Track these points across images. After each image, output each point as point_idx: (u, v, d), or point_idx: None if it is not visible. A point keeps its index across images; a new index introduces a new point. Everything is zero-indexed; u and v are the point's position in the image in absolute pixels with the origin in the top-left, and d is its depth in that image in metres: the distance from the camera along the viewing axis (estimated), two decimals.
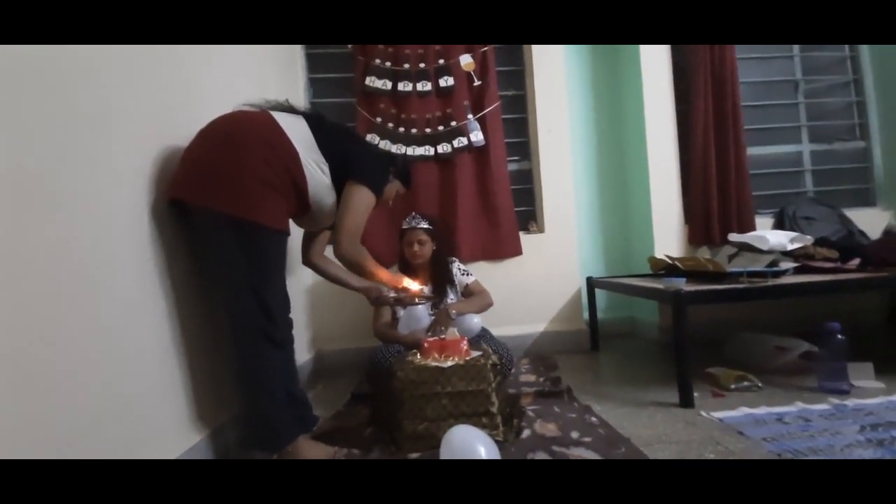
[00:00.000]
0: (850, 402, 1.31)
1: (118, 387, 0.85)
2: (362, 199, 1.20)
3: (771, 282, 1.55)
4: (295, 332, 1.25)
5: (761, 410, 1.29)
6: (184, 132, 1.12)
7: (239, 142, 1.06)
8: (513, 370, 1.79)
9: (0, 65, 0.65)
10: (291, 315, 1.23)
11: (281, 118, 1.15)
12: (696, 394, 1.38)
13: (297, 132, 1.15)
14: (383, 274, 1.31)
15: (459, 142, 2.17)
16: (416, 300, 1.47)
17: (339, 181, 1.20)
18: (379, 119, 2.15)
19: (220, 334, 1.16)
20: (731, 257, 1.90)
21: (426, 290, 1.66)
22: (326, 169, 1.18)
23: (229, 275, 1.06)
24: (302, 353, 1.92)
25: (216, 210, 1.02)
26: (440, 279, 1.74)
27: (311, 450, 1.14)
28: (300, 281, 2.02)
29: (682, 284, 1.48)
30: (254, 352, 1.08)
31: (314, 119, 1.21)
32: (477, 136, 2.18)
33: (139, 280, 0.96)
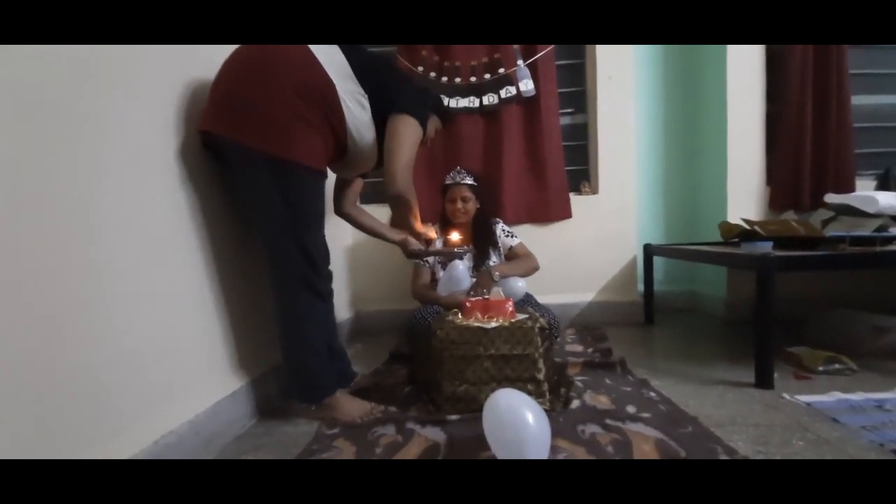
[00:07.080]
0: None
1: (152, 332, 0.84)
2: (411, 131, 1.08)
3: (879, 249, 1.29)
4: (335, 290, 1.19)
5: (857, 396, 1.11)
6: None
7: (268, 71, 0.96)
8: (558, 338, 1.68)
9: None
10: (331, 270, 1.16)
11: (313, 45, 1.03)
12: (775, 374, 1.21)
13: (332, 61, 1.03)
14: (420, 225, 1.24)
15: (507, 91, 1.98)
16: (455, 250, 1.38)
17: (379, 116, 1.09)
18: (421, 68, 2.00)
19: (263, 281, 1.12)
20: (825, 223, 1.63)
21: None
22: (366, 102, 1.07)
23: (267, 219, 1.00)
24: (342, 312, 1.91)
25: (249, 146, 0.95)
26: (483, 240, 1.63)
27: (349, 404, 1.11)
28: (341, 239, 1.98)
29: (768, 249, 1.27)
30: (295, 301, 1.04)
31: (349, 46, 1.08)
32: (527, 86, 1.98)
33: (170, 221, 0.92)
